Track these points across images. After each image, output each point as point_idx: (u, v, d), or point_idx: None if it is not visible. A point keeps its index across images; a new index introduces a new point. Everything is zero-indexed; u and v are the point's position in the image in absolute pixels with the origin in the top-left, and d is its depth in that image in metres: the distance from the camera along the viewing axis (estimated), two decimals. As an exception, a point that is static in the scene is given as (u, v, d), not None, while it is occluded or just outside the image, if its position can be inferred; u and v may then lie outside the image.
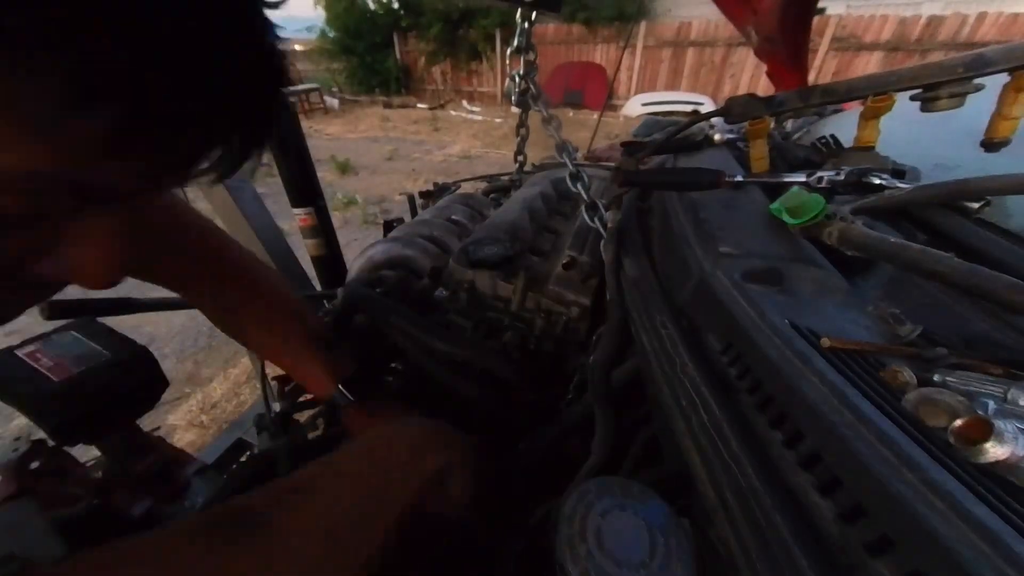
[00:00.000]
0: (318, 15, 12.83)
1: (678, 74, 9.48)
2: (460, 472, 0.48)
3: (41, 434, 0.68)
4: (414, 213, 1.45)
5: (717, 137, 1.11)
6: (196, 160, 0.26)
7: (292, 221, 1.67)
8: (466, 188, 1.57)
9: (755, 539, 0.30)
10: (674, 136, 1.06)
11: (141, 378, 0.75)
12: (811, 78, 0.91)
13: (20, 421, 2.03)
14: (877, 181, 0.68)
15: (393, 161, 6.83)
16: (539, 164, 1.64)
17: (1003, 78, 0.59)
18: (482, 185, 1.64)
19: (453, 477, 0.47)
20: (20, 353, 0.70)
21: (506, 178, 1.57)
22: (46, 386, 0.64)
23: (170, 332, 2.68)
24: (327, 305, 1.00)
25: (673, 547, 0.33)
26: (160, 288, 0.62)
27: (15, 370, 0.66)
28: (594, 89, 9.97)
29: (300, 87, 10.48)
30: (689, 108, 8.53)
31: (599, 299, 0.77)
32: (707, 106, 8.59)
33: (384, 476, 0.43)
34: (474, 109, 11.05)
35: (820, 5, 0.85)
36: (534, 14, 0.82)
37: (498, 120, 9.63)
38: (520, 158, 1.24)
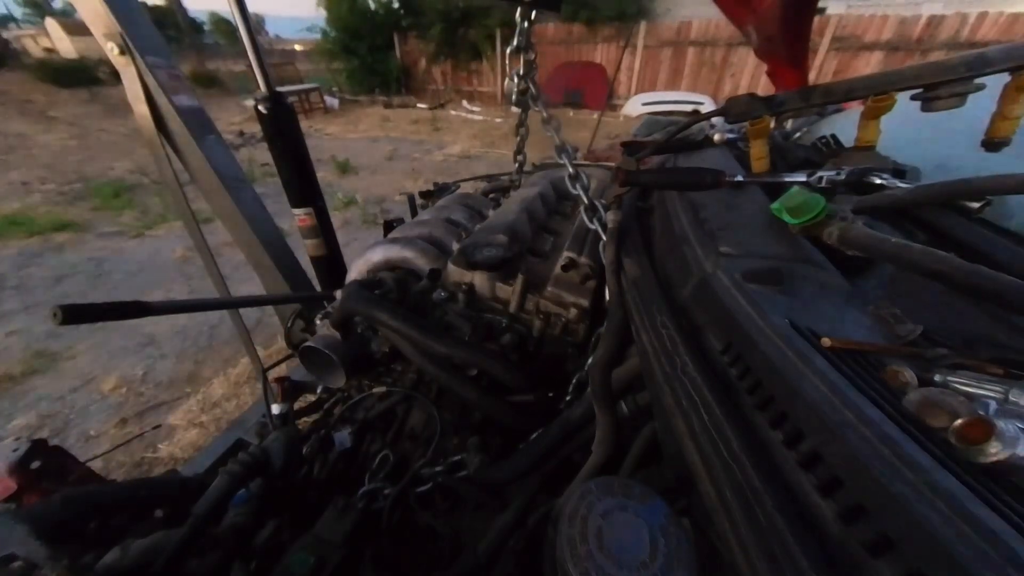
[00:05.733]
0: (319, 15, 12.86)
1: (678, 74, 9.48)
2: None
3: (41, 434, 0.68)
4: (414, 213, 1.45)
5: (717, 137, 1.11)
6: None
7: (292, 221, 1.67)
8: (466, 188, 1.57)
9: (755, 539, 0.30)
10: (674, 136, 1.06)
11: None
12: (811, 78, 0.91)
13: (20, 421, 2.04)
14: (878, 181, 0.68)
15: (393, 161, 6.82)
16: (539, 164, 1.64)
17: (1004, 78, 0.59)
18: (482, 185, 1.64)
19: None
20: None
21: (506, 178, 1.57)
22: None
23: (171, 332, 2.68)
24: (327, 306, 1.00)
25: (674, 547, 0.33)
26: (170, 292, 0.60)
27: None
28: (594, 89, 9.97)
29: (300, 87, 10.50)
30: (689, 108, 8.53)
31: (598, 300, 0.77)
32: (707, 106, 8.58)
33: None
34: (474, 109, 11.05)
35: (820, 5, 0.85)
36: (534, 13, 0.82)
37: (498, 120, 9.62)
38: (520, 158, 1.24)
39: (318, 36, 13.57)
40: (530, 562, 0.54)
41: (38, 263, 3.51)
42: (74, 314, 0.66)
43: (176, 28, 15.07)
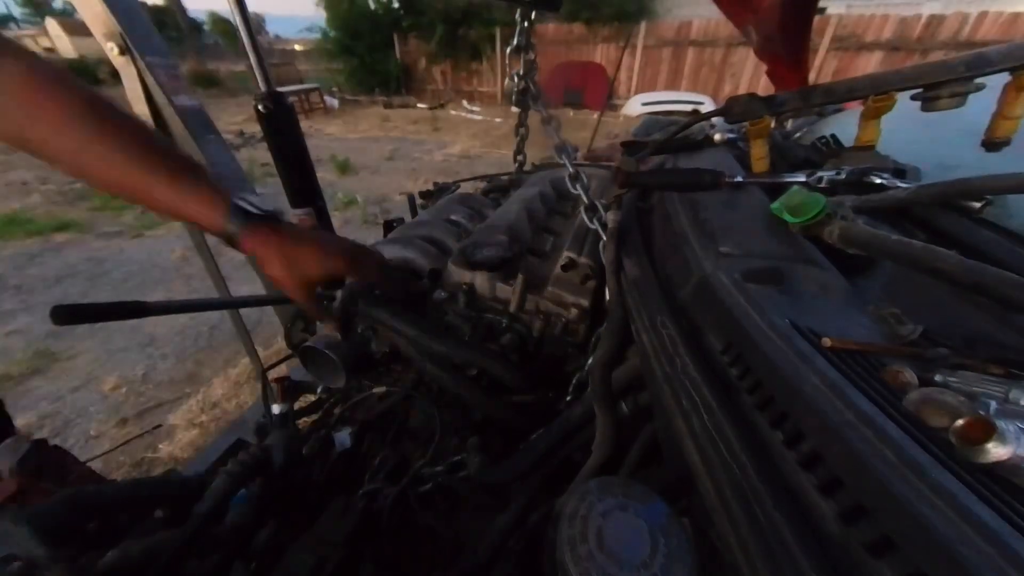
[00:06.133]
0: (318, 15, 12.86)
1: (678, 74, 9.48)
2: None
3: (41, 434, 0.68)
4: (414, 213, 1.45)
5: (717, 137, 1.11)
6: None
7: (292, 221, 1.67)
8: (466, 188, 1.57)
9: (755, 539, 0.30)
10: (674, 136, 1.06)
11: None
12: (811, 78, 0.91)
13: (19, 421, 2.03)
14: (878, 180, 0.68)
15: (393, 161, 6.82)
16: (538, 164, 1.64)
17: (1004, 78, 0.59)
18: (482, 185, 1.64)
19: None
20: None
21: (506, 178, 1.57)
22: None
23: (171, 332, 2.67)
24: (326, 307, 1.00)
25: (674, 547, 0.33)
26: (170, 292, 0.60)
27: None
28: (594, 89, 9.97)
29: (300, 87, 10.50)
30: (689, 108, 8.52)
31: (598, 300, 0.77)
32: (707, 106, 8.58)
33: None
34: (474, 109, 11.05)
35: (820, 5, 0.85)
36: (534, 13, 0.82)
37: (498, 120, 9.62)
38: (519, 158, 1.24)
39: (318, 36, 13.58)
40: (530, 562, 0.54)
41: (38, 263, 3.51)
42: (72, 314, 0.65)
43: (176, 28, 15.07)
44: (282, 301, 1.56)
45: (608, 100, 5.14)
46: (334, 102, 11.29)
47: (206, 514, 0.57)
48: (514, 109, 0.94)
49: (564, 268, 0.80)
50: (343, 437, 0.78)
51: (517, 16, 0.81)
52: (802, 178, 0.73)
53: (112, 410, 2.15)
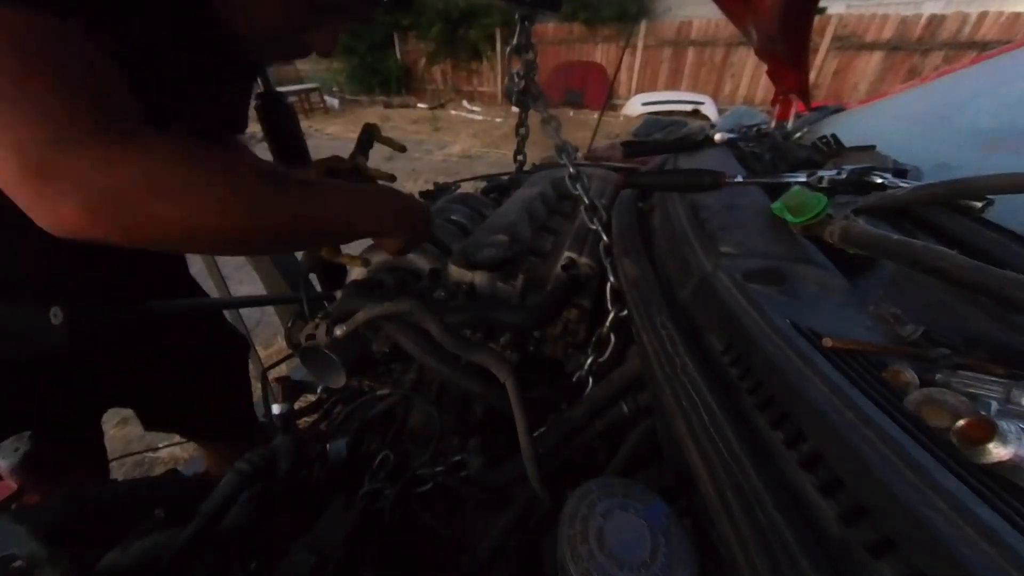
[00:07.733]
0: (318, 15, 12.82)
1: (678, 74, 9.48)
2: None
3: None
4: (414, 213, 1.45)
5: (717, 137, 1.11)
6: None
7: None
8: (466, 188, 1.57)
9: (756, 540, 0.30)
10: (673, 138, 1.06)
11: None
12: (811, 78, 0.91)
13: (21, 421, 2.03)
14: (878, 180, 0.67)
15: (393, 161, 6.82)
16: (539, 164, 1.64)
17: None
18: (482, 185, 1.64)
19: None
20: None
21: (506, 178, 1.57)
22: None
23: (170, 332, 2.68)
24: (327, 306, 1.00)
25: (674, 548, 0.33)
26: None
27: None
28: (594, 89, 9.97)
29: (300, 87, 10.50)
30: (689, 108, 8.53)
31: (599, 300, 0.77)
32: (707, 106, 8.59)
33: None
34: (474, 109, 11.04)
35: (820, 5, 0.85)
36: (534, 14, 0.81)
37: (498, 120, 9.62)
38: (520, 158, 1.24)
39: (318, 36, 13.53)
40: (530, 562, 0.54)
41: (38, 263, 3.50)
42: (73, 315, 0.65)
43: (176, 28, 15.05)
44: (282, 301, 1.56)
45: (608, 100, 5.14)
46: (334, 102, 11.29)
47: (214, 512, 0.57)
48: (514, 109, 0.94)
49: (564, 268, 0.80)
50: (339, 447, 0.78)
51: (517, 16, 0.81)
52: (803, 178, 0.73)
53: (113, 410, 2.15)
